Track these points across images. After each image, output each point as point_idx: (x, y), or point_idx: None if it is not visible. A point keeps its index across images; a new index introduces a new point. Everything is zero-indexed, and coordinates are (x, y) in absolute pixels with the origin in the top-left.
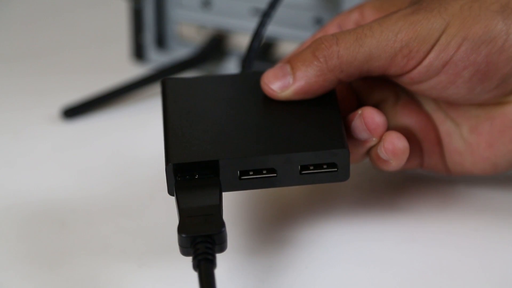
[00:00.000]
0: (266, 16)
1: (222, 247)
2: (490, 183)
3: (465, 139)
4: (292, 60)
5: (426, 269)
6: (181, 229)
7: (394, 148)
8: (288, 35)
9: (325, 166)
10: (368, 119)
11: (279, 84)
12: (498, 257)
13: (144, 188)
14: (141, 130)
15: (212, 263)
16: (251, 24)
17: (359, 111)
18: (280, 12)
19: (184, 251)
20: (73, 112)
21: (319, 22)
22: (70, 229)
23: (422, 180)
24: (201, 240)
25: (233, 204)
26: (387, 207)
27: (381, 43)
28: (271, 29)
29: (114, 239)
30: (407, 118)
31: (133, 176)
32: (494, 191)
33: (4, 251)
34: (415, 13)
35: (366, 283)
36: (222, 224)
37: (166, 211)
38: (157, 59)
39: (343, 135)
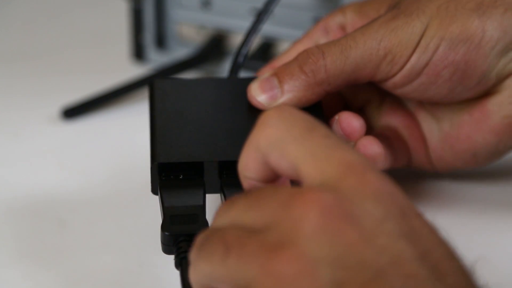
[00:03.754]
0: (257, 22)
1: None
2: (489, 183)
3: (446, 132)
4: (279, 73)
5: None
6: (164, 227)
7: (365, 155)
8: (287, 35)
9: None
10: (344, 124)
11: (266, 96)
12: (499, 257)
13: (144, 188)
14: (141, 130)
15: None
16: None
17: (336, 117)
18: (279, 12)
19: (167, 249)
20: (73, 112)
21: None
22: (69, 229)
23: (422, 180)
24: (184, 239)
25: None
26: None
27: (365, 53)
28: (271, 29)
29: (114, 238)
30: (392, 118)
31: (133, 176)
32: (494, 190)
33: (3, 250)
34: (395, 19)
35: None
36: (205, 224)
37: None
38: (157, 59)
39: None
